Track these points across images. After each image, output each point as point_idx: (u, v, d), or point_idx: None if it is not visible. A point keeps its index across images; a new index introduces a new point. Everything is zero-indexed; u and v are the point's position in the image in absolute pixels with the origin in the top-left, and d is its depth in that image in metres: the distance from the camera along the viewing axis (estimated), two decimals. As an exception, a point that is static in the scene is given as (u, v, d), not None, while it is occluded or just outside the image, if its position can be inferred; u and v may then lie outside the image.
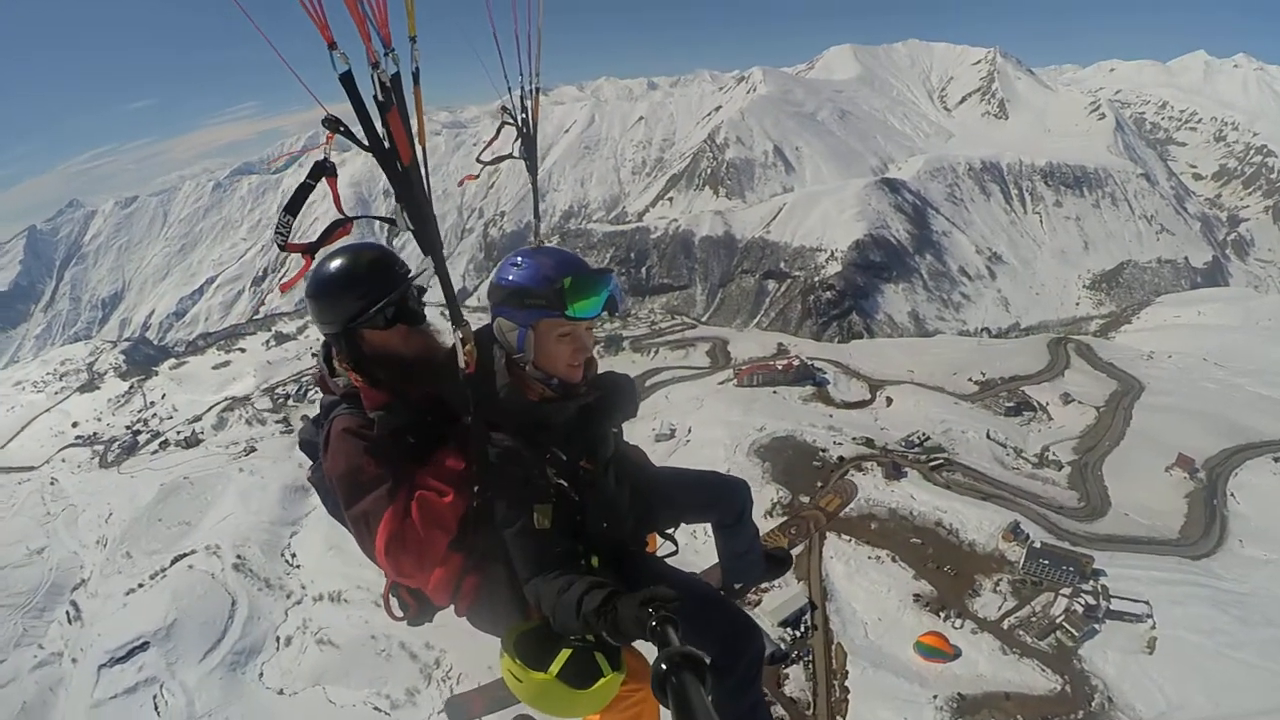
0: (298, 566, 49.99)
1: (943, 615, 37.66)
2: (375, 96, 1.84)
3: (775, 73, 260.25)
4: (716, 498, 3.18)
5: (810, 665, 35.34)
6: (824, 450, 52.99)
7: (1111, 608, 36.65)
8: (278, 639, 44.49)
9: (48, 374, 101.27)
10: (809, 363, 71.20)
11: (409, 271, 2.65)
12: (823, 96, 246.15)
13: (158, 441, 74.93)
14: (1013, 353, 73.83)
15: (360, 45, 1.74)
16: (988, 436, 55.53)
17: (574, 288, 2.34)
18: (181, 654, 42.20)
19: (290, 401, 79.03)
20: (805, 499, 47.64)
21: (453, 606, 2.69)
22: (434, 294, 2.54)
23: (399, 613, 2.77)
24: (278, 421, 74.19)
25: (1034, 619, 37.00)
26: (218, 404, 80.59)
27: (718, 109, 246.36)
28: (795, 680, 34.40)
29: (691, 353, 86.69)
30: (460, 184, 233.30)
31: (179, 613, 45.01)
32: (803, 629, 37.44)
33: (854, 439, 54.61)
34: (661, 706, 2.41)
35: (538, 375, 2.50)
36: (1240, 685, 31.37)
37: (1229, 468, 49.02)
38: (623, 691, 2.35)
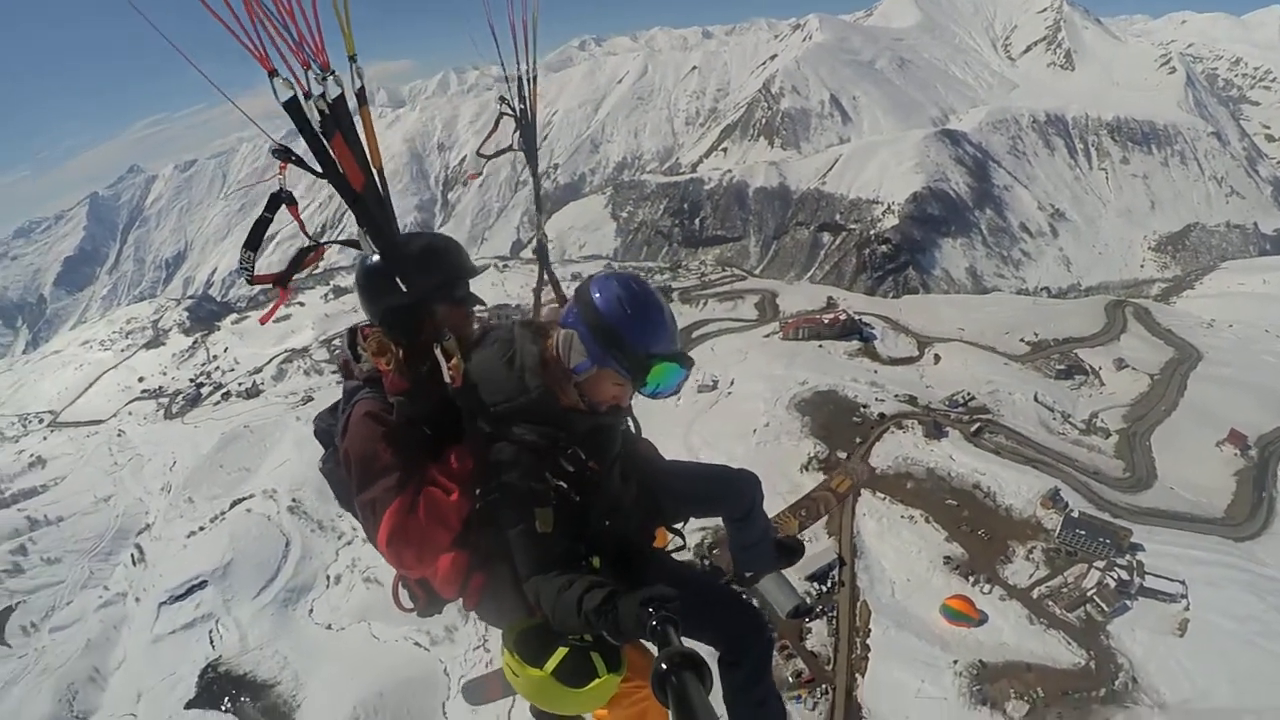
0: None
1: (971, 580, 37.11)
2: (316, 127, 1.83)
3: (832, 20, 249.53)
4: (724, 493, 3.15)
5: (834, 621, 35.53)
6: (865, 406, 52.22)
7: (1145, 585, 35.40)
8: (328, 577, 46.87)
9: (114, 333, 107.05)
10: (856, 317, 69.76)
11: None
12: (881, 45, 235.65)
13: (220, 393, 78.99)
14: (1068, 313, 70.76)
15: (310, 65, 1.75)
16: (1035, 399, 53.65)
17: (659, 374, 2.35)
18: (237, 591, 45.07)
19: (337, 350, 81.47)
20: (843, 454, 47.21)
21: (461, 600, 2.76)
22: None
23: (408, 604, 2.83)
24: (334, 372, 76.62)
25: (1065, 590, 36.11)
26: (277, 356, 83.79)
27: (773, 58, 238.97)
28: (818, 635, 34.67)
29: (740, 304, 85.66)
30: (464, 182, 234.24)
31: (235, 553, 47.86)
32: (830, 584, 37.49)
33: (896, 396, 53.57)
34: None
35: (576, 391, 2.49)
36: (1268, 677, 29.96)
37: (1284, 448, 46.23)
38: (628, 688, 2.38)
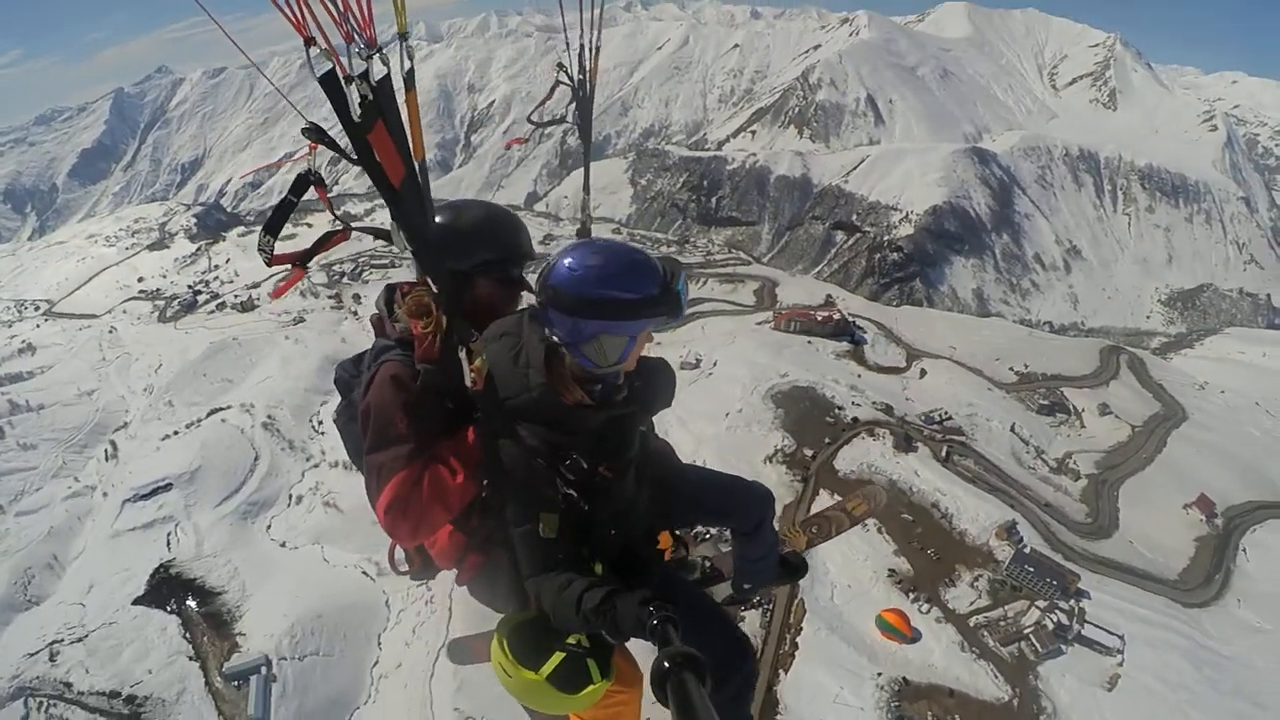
0: (322, 433, 52.04)
1: (912, 597, 37.50)
2: (352, 116, 1.63)
3: (881, 19, 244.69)
4: (737, 506, 3.09)
5: (769, 613, 36.03)
6: (840, 408, 52.35)
7: (1083, 633, 35.67)
8: (290, 496, 47.16)
9: (121, 230, 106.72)
10: (850, 319, 69.74)
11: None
12: (927, 51, 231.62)
13: (215, 303, 79.35)
14: (1063, 351, 70.45)
15: (355, 39, 1.56)
16: (1012, 429, 53.71)
17: (680, 285, 2.27)
18: (200, 498, 45.39)
19: (345, 279, 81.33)
20: (809, 452, 47.57)
21: (455, 574, 2.78)
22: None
23: (403, 567, 2.85)
24: (330, 297, 77.13)
25: (1003, 623, 36.42)
26: (277, 274, 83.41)
27: (816, 48, 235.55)
28: (749, 624, 34.93)
29: (740, 288, 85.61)
30: (507, 147, 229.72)
31: (204, 461, 48.08)
32: (771, 577, 38.02)
33: (874, 403, 53.67)
34: (641, 706, 2.62)
35: (586, 379, 2.38)
36: (1187, 750, 30.13)
37: (1249, 522, 46.21)
38: (607, 692, 2.35)
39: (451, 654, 3.38)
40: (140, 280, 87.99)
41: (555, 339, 2.30)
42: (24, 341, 71.18)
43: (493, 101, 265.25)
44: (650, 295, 2.20)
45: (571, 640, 2.28)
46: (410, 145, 1.81)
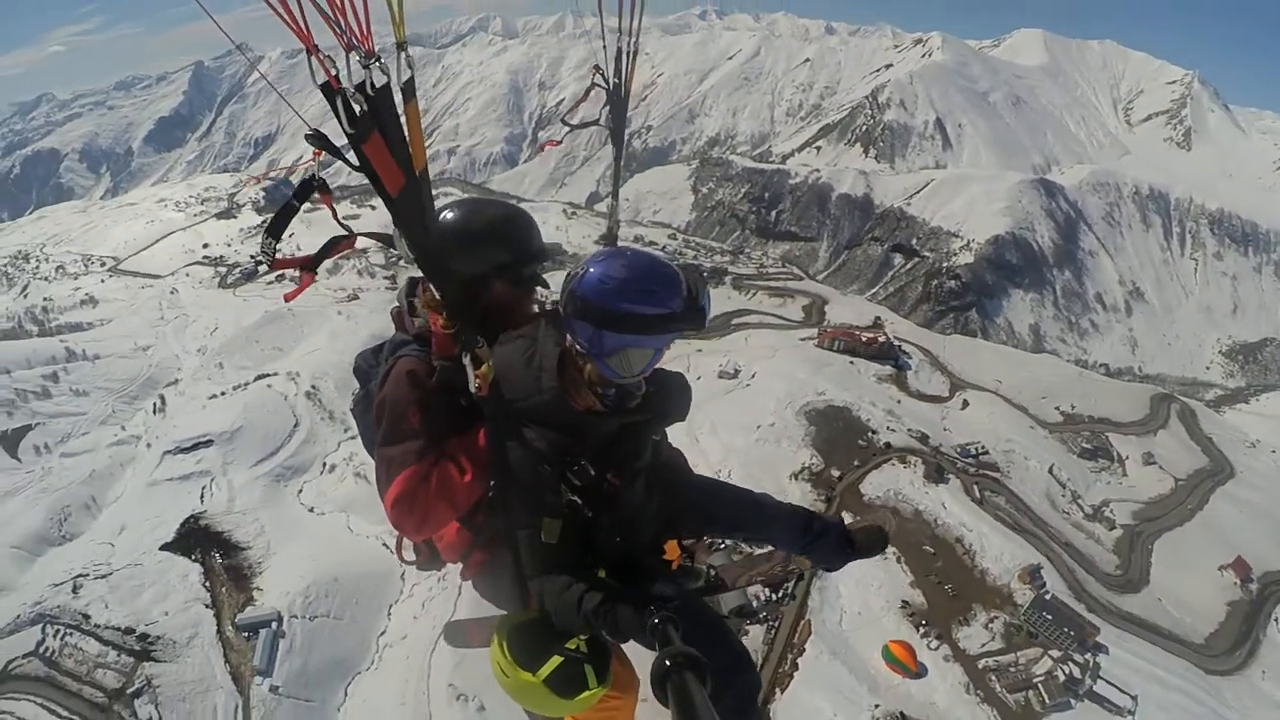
0: None
1: (922, 631, 36.68)
2: (344, 127, 1.64)
3: (956, 42, 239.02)
4: (746, 521, 3.00)
5: (774, 631, 35.73)
6: (874, 432, 51.50)
7: (1095, 689, 34.44)
8: (324, 464, 48.74)
9: (191, 196, 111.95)
10: (896, 343, 68.46)
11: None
12: (1000, 78, 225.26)
13: (275, 274, 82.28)
14: (1112, 394, 67.83)
15: (353, 48, 1.57)
16: (1049, 471, 51.93)
17: (704, 299, 2.24)
18: (238, 457, 47.34)
19: (402, 261, 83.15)
20: (836, 473, 46.92)
21: (460, 569, 2.82)
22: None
23: (410, 557, 2.88)
24: (386, 277, 79.57)
25: (1013, 669, 35.33)
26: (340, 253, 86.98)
27: (888, 67, 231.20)
28: (752, 640, 34.74)
29: (789, 303, 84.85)
30: (542, 149, 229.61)
31: (246, 422, 50.11)
32: (781, 594, 37.39)
33: (909, 430, 52.59)
34: (635, 713, 2.65)
35: (601, 384, 2.38)
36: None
37: (1287, 592, 44.05)
38: (602, 697, 2.34)
39: (448, 636, 3.39)
40: (205, 246, 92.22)
41: (579, 348, 2.30)
42: (87, 294, 75.44)
43: (561, 100, 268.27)
44: (676, 311, 2.18)
45: (570, 645, 2.28)
46: (410, 155, 1.80)
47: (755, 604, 35.82)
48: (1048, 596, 38.94)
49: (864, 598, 38.18)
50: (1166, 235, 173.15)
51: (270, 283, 79.98)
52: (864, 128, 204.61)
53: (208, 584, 37.68)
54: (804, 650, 34.78)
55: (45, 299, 75.58)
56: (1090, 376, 77.97)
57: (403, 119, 1.77)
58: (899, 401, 57.92)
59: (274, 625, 34.92)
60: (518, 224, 2.68)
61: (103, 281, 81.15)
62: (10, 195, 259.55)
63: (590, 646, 2.29)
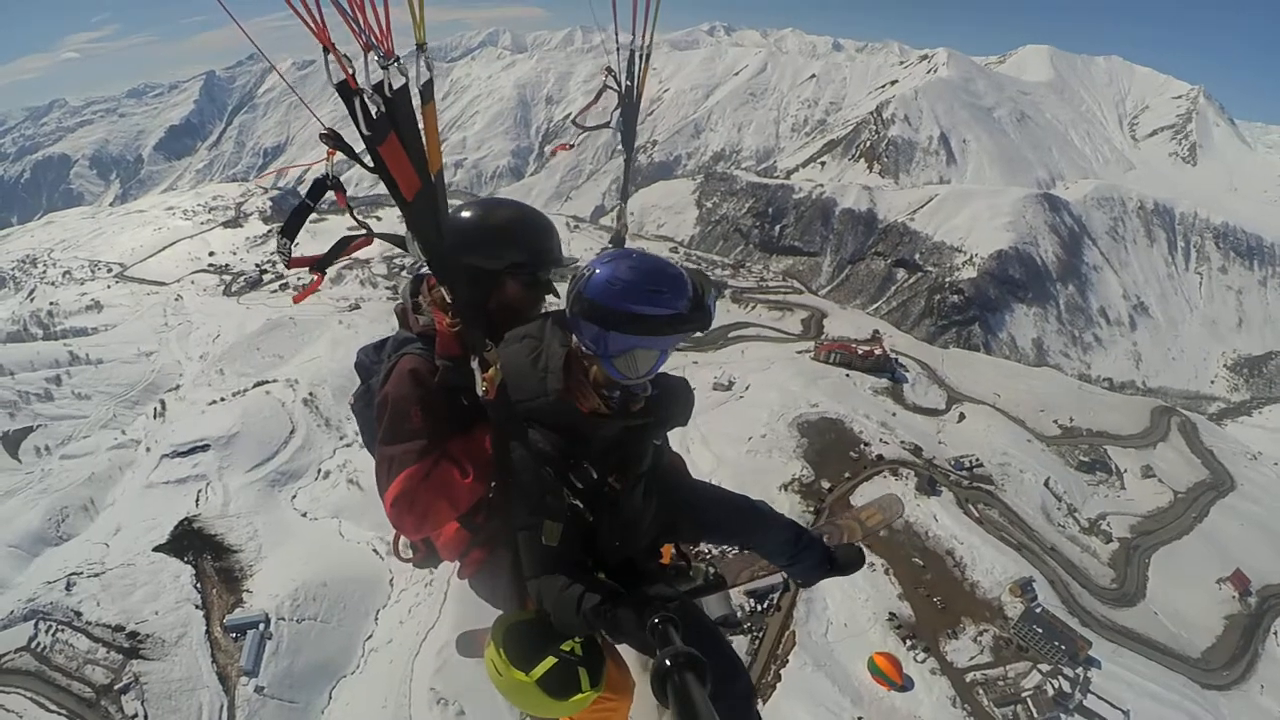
0: None
1: (909, 644, 36.46)
2: (361, 129, 1.62)
3: (961, 58, 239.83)
4: (744, 528, 2.96)
5: (758, 642, 35.61)
6: (867, 444, 51.48)
7: (1085, 703, 34.14)
8: (318, 471, 49.00)
9: (198, 204, 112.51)
10: (893, 356, 68.60)
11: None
12: (1005, 93, 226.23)
13: (279, 283, 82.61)
14: (1112, 407, 67.47)
15: (372, 48, 1.54)
16: (1045, 484, 51.73)
17: (710, 300, 2.25)
18: (234, 462, 47.58)
19: (404, 272, 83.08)
20: (826, 484, 46.89)
21: (457, 568, 2.81)
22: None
23: (407, 554, 2.89)
24: (388, 287, 79.84)
25: (1001, 683, 35.04)
26: (342, 261, 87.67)
27: (893, 83, 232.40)
28: (736, 648, 34.63)
29: (787, 316, 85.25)
30: (553, 153, 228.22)
31: (243, 427, 50.38)
32: (767, 604, 37.40)
33: (903, 443, 52.58)
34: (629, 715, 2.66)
35: (607, 386, 2.37)
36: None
37: (1286, 605, 43.57)
38: (596, 698, 2.34)
39: (460, 647, 3.35)
40: (211, 254, 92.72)
41: (585, 349, 2.29)
42: (92, 300, 76.19)
43: (568, 114, 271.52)
44: (684, 312, 2.17)
45: (566, 647, 2.29)
46: (426, 158, 1.79)
47: (739, 614, 35.91)
48: (1038, 610, 38.72)
49: (851, 610, 38.00)
50: (1171, 249, 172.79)
51: (274, 291, 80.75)
52: (868, 143, 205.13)
53: (199, 585, 37.92)
54: (787, 661, 34.59)
55: (51, 303, 76.35)
56: (1090, 389, 77.58)
57: (419, 121, 1.76)
58: (894, 414, 57.90)
59: (261, 626, 35.17)
60: (537, 225, 2.66)
61: (109, 287, 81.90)
62: (20, 200, 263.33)
63: (585, 649, 2.30)
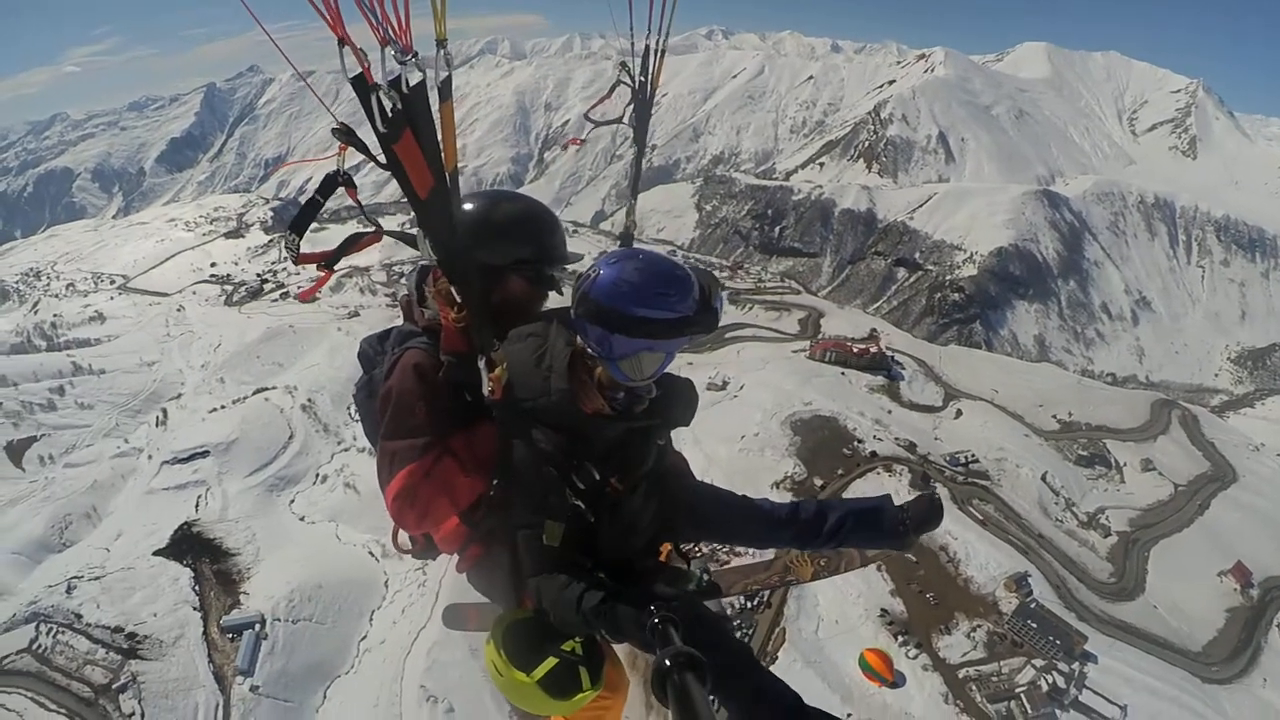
0: (356, 420, 54.02)
1: (901, 640, 36.20)
2: (376, 125, 1.58)
3: (958, 57, 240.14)
4: (743, 528, 2.92)
5: (747, 638, 35.52)
6: (860, 441, 51.29)
7: (1081, 698, 33.79)
8: (316, 475, 49.49)
9: (200, 216, 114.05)
10: (889, 354, 68.47)
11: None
12: (1003, 91, 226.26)
13: (279, 292, 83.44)
14: (1111, 401, 66.93)
15: (390, 43, 1.50)
16: (1042, 479, 51.27)
17: (716, 301, 2.24)
18: (233, 467, 48.21)
19: (403, 280, 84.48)
20: (819, 482, 46.83)
21: (456, 562, 2.82)
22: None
23: (406, 546, 2.87)
24: (387, 294, 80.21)
25: (994, 679, 34.70)
26: (340, 270, 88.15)
27: (891, 83, 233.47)
28: None
29: (785, 317, 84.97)
30: (565, 147, 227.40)
31: (242, 434, 51.04)
32: (756, 602, 37.35)
33: (897, 439, 52.38)
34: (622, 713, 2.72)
35: (610, 387, 2.36)
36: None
37: (1289, 597, 43.02)
38: (594, 697, 2.34)
39: (446, 619, 3.33)
40: (213, 265, 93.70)
41: (591, 350, 2.27)
42: (95, 311, 76.97)
43: (568, 120, 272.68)
44: (691, 315, 2.16)
45: (566, 647, 2.29)
46: (441, 157, 1.75)
47: (728, 612, 35.87)
48: (1033, 605, 38.35)
49: (842, 606, 37.87)
50: (1172, 243, 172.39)
51: (275, 300, 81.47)
52: (867, 143, 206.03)
53: (197, 588, 38.40)
54: (776, 659, 34.46)
55: (55, 315, 77.24)
56: (1089, 384, 77.16)
57: (436, 119, 1.72)
58: (889, 411, 57.72)
59: (257, 627, 35.59)
60: (543, 220, 2.65)
61: (111, 299, 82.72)
62: (23, 213, 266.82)
63: (585, 648, 2.31)
